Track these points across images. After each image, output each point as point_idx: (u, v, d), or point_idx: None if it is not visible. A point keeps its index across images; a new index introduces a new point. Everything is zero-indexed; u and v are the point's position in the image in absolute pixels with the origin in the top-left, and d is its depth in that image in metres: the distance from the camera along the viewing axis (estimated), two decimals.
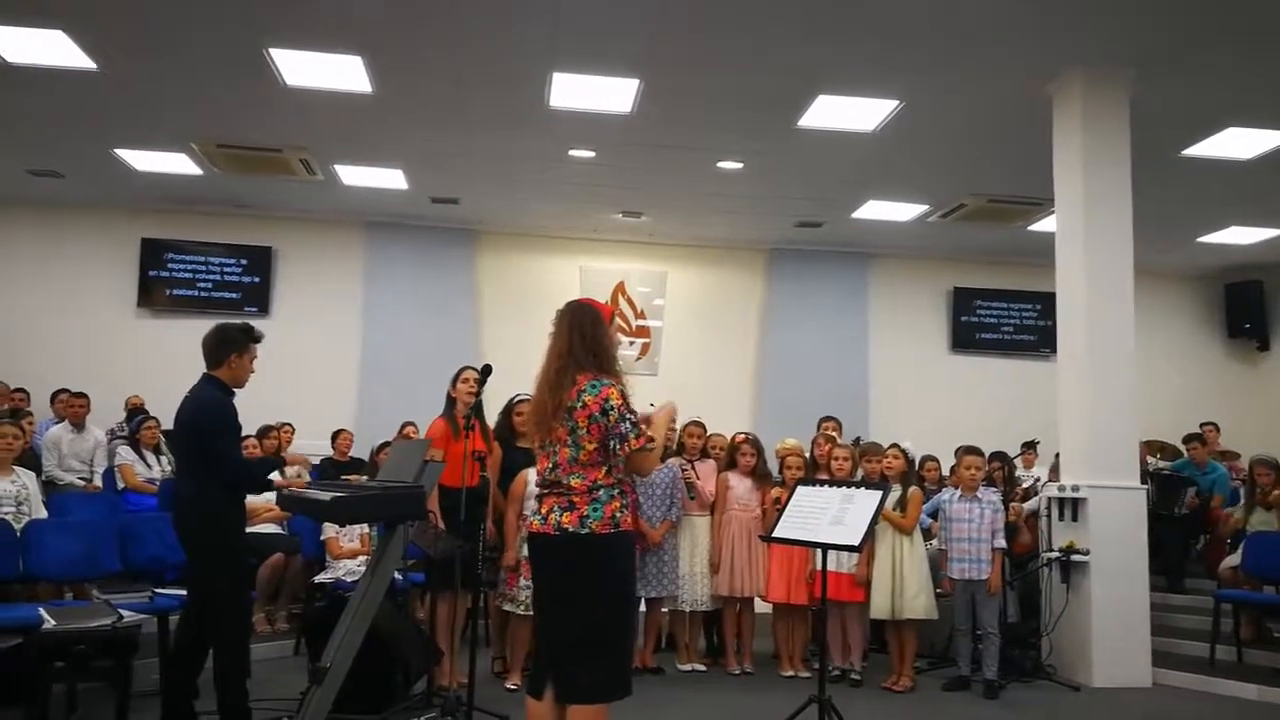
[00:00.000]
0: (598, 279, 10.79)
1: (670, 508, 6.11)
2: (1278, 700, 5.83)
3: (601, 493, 3.19)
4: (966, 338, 11.57)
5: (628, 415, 3.20)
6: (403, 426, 8.09)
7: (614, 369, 3.31)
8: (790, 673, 6.15)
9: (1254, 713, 5.70)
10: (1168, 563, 8.04)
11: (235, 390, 4.38)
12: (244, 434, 6.41)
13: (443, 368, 5.69)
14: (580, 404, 3.18)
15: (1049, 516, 6.56)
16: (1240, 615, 6.88)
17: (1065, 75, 6.60)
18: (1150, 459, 8.85)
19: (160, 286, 10.40)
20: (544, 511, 3.25)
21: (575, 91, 7.10)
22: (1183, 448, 9.07)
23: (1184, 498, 8.22)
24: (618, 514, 3.20)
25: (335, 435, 8.87)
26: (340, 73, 6.85)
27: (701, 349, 11.04)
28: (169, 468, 7.47)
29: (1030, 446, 9.47)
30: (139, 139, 8.51)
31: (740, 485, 6.34)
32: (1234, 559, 7.20)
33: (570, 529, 3.15)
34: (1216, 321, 12.01)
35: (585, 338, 3.28)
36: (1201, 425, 9.84)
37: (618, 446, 3.17)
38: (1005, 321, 11.65)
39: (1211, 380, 11.73)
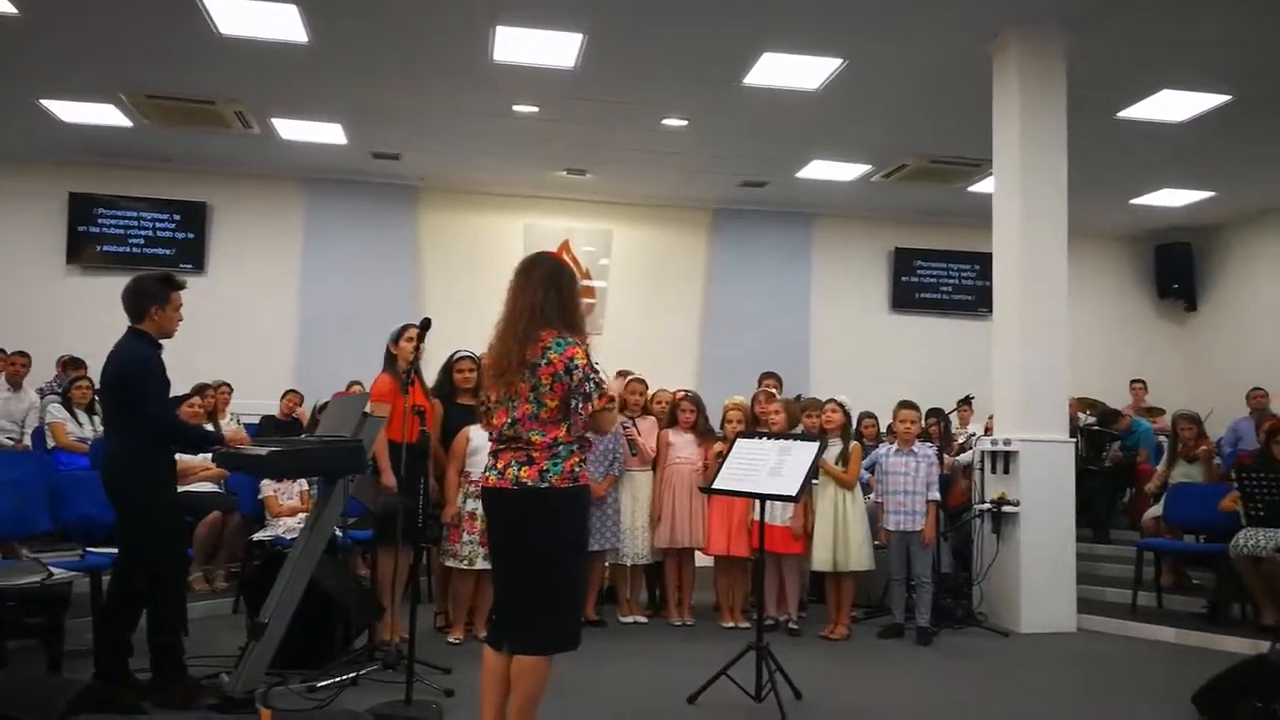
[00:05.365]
0: (542, 236, 10.66)
1: (612, 463, 6.17)
2: (1194, 642, 6.10)
3: (561, 449, 3.16)
4: (906, 297, 11.73)
5: (591, 375, 3.17)
6: (350, 385, 8.00)
7: (582, 329, 3.28)
8: (731, 624, 6.26)
9: (1171, 654, 5.96)
10: (1096, 515, 8.32)
11: (162, 343, 4.29)
12: (181, 393, 6.34)
13: (383, 326, 5.61)
14: (545, 361, 3.13)
15: (981, 469, 6.74)
16: (1161, 563, 7.17)
17: (1003, 36, 6.68)
18: (1080, 415, 9.11)
19: (90, 243, 10.08)
20: (500, 466, 3.20)
21: (519, 45, 7.01)
22: (1117, 405, 9.35)
23: (1108, 450, 8.51)
24: (576, 469, 3.18)
25: (284, 396, 8.79)
26: (275, 21, 6.67)
27: (646, 307, 11.05)
28: (101, 427, 7.31)
29: (966, 402, 9.66)
30: (65, 89, 8.20)
31: (680, 441, 6.41)
32: (1156, 510, 7.47)
33: (529, 483, 3.12)
34: (1147, 282, 12.32)
35: (561, 294, 3.24)
36: (1131, 382, 10.14)
37: (580, 405, 3.15)
38: (944, 281, 11.82)
39: (1141, 339, 12.05)
